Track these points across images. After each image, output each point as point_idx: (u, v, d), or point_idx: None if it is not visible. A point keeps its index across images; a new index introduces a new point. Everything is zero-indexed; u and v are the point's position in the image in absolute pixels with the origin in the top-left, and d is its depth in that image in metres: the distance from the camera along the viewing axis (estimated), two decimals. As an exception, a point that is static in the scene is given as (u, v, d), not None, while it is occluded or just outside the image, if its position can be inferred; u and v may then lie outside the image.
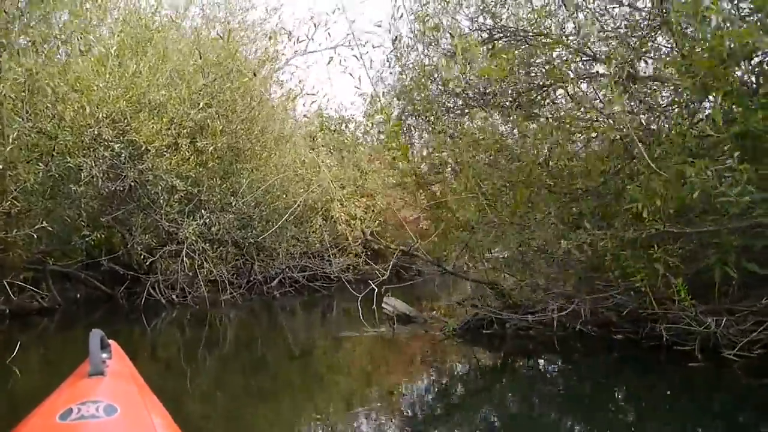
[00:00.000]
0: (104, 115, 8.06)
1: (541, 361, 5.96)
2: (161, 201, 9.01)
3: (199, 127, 9.42)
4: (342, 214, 14.27)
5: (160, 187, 8.85)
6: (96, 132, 8.08)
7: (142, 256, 10.03)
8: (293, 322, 10.06)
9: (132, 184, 8.70)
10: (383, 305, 8.35)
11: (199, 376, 5.79)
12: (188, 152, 8.95)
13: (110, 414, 1.39)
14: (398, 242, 16.13)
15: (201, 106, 9.14)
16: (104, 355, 1.78)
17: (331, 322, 9.98)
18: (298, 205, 11.03)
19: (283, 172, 11.17)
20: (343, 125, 17.80)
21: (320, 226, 12.35)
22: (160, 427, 1.52)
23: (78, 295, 10.86)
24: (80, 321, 9.24)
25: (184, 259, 9.59)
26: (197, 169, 9.26)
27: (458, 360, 6.12)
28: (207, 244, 9.69)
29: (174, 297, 10.28)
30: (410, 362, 6.27)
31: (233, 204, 9.92)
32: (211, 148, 9.25)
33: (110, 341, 1.96)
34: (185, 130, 9.06)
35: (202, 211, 9.35)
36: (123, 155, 8.50)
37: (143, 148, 8.52)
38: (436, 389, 5.10)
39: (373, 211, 15.92)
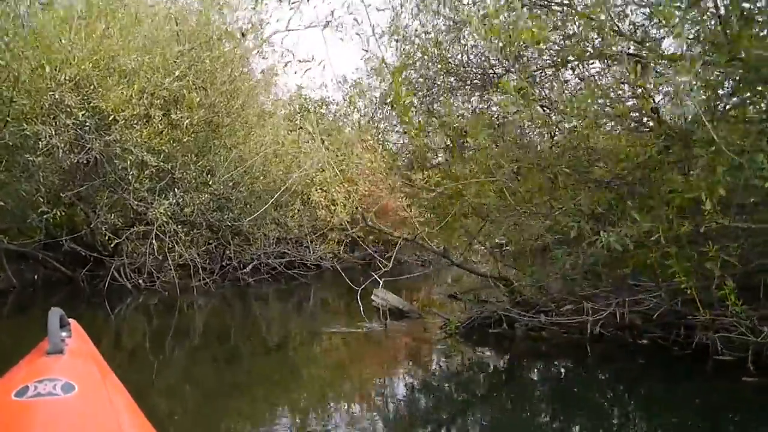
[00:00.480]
0: (67, 78, 7.16)
1: (560, 367, 5.31)
2: (130, 177, 8.12)
3: (173, 98, 8.54)
4: (322, 198, 13.57)
5: (128, 162, 7.97)
6: (57, 97, 7.18)
7: (107, 237, 9.11)
8: (269, 311, 9.29)
9: (97, 157, 7.82)
10: (373, 298, 7.65)
11: (166, 369, 5.25)
12: (161, 125, 8.07)
13: (68, 392, 1.34)
14: (391, 231, 15.59)
15: (176, 75, 8.27)
16: (64, 334, 1.71)
17: (309, 313, 9.23)
18: (285, 188, 10.26)
19: (264, 152, 10.36)
20: (324, 107, 16.90)
21: (299, 210, 11.60)
22: (119, 406, 1.48)
23: (35, 277, 9.95)
24: (36, 304, 8.42)
25: (153, 241, 8.73)
26: (170, 144, 8.39)
27: (462, 362, 5.43)
28: (179, 226, 8.86)
29: (141, 282, 9.44)
30: (408, 364, 5.58)
31: (209, 183, 9.08)
32: (187, 121, 8.38)
33: (70, 320, 1.90)
34: (158, 101, 8.18)
35: (175, 189, 8.49)
36: (88, 124, 7.62)
37: (111, 118, 7.64)
38: (437, 394, 4.44)
39: (355, 196, 15.27)
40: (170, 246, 9.20)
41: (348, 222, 15.14)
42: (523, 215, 5.34)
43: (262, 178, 10.28)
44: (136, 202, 8.46)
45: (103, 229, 8.61)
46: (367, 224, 7.87)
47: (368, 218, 7.52)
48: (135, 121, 7.86)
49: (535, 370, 5.25)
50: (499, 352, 5.72)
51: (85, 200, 8.94)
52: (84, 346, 1.80)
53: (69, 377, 1.40)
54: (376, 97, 19.29)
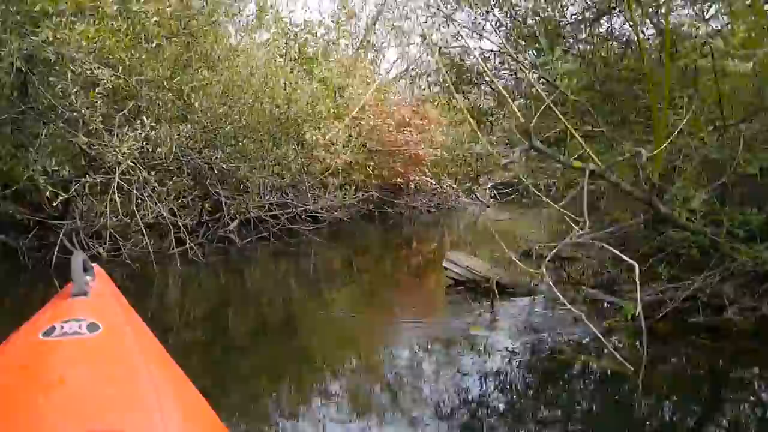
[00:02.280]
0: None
1: None
2: (75, 102, 5.38)
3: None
4: (320, 137, 10.94)
5: (69, 78, 5.23)
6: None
7: (50, 192, 6.40)
8: (283, 288, 6.79)
9: (19, 68, 5.03)
10: (446, 265, 5.23)
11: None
12: (116, 21, 5.31)
13: (93, 331, 1.34)
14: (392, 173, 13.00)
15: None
16: (87, 278, 1.70)
17: (362, 293, 6.69)
18: (281, 119, 7.64)
19: (252, 77, 7.67)
20: (309, 32, 13.92)
21: (296, 151, 9.01)
22: (143, 345, 1.45)
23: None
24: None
25: (115, 195, 6.06)
26: (133, 52, 5.67)
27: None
28: (150, 173, 6.20)
29: (100, 251, 6.76)
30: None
31: (191, 110, 6.39)
32: (154, 19, 5.63)
33: (94, 264, 1.86)
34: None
35: (143, 120, 5.77)
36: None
37: (38, 7, 4.88)
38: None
39: (358, 134, 12.63)
40: (138, 201, 6.59)
41: (352, 164, 12.63)
42: None
43: (250, 110, 7.61)
44: (86, 140, 5.74)
45: (41, 180, 5.85)
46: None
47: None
48: (77, 15, 5.09)
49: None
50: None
51: (12, 138, 6.14)
52: (107, 288, 1.76)
53: (94, 317, 1.38)
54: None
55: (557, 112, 2.79)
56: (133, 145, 5.63)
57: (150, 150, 6.16)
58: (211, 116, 6.69)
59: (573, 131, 2.92)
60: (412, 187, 13.06)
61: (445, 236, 11.65)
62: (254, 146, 7.50)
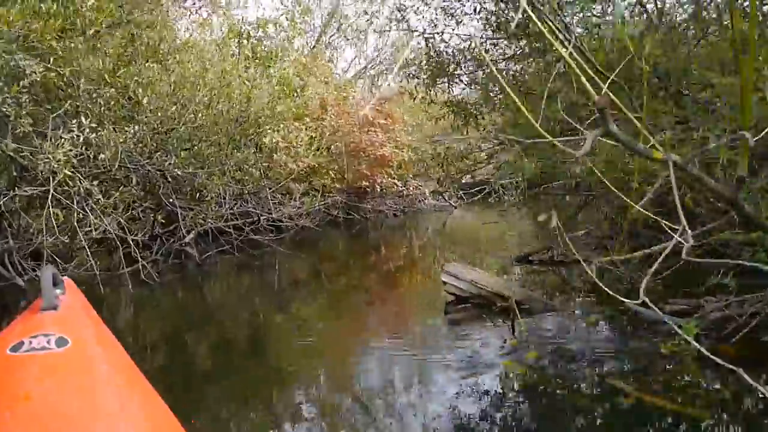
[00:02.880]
0: None
1: None
2: (-4, 101, 4.47)
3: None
4: (280, 139, 10.15)
5: (-12, 70, 4.33)
6: None
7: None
8: (246, 308, 5.98)
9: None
10: (444, 278, 4.53)
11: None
12: (47, 0, 4.43)
13: (61, 346, 1.33)
14: (357, 175, 12.22)
15: None
16: (57, 291, 1.64)
17: (348, 310, 5.94)
18: (241, 119, 6.83)
19: (205, 72, 6.82)
20: (261, 30, 13.08)
21: (255, 153, 8.22)
22: (111, 358, 1.44)
23: None
24: None
25: (51, 209, 5.17)
26: (66, 41, 4.79)
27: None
28: (93, 183, 5.31)
29: (39, 274, 5.87)
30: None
31: (138, 110, 5.53)
32: (91, 1, 4.76)
33: (64, 278, 1.77)
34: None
35: (82, 119, 4.89)
36: None
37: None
38: None
39: (321, 135, 11.84)
40: (80, 215, 5.69)
41: (315, 168, 11.84)
42: None
43: (206, 110, 6.76)
44: (13, 146, 4.82)
45: (-40, 194, 4.91)
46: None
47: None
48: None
49: None
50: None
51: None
52: (77, 302, 1.72)
53: (62, 332, 1.38)
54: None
55: (624, 87, 2.16)
56: (70, 150, 4.75)
57: (91, 156, 5.28)
58: (162, 116, 5.83)
59: (645, 112, 2.27)
60: (378, 190, 12.36)
61: (419, 240, 10.95)
62: (212, 150, 6.66)
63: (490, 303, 4.23)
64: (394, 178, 12.53)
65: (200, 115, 6.60)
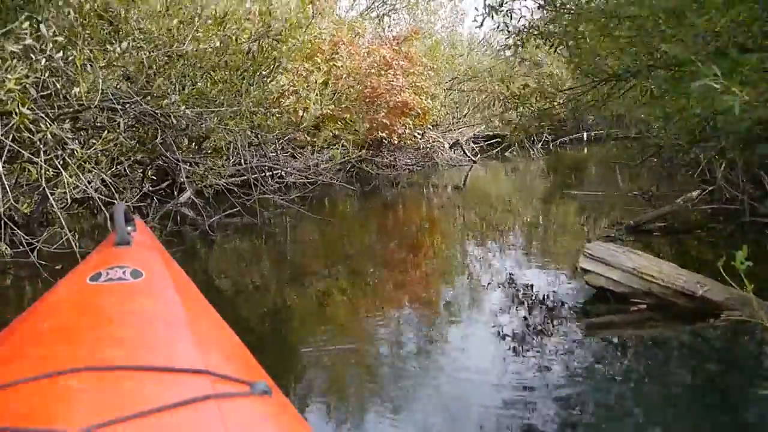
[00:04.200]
0: None
1: None
2: None
3: None
4: (287, 83, 8.55)
5: None
6: None
7: None
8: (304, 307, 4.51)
9: None
10: (583, 265, 3.10)
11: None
12: None
13: (136, 278, 1.38)
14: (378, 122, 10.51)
15: None
16: (129, 228, 1.69)
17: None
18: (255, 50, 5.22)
19: None
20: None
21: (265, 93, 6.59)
22: (184, 292, 1.45)
23: None
24: None
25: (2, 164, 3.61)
26: None
27: None
28: (67, 125, 3.75)
29: (4, 247, 4.35)
30: None
31: (124, 29, 3.91)
32: None
33: (134, 215, 1.84)
34: None
35: (43, 30, 3.29)
36: None
37: None
38: None
39: (336, 78, 10.17)
40: (50, 172, 4.14)
41: (327, 116, 10.22)
42: None
43: (216, 29, 5.08)
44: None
45: None
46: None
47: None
48: None
49: None
50: None
51: None
52: (148, 239, 1.76)
53: (136, 265, 1.41)
54: None
55: None
56: (27, 78, 3.18)
57: (60, 90, 3.71)
58: (157, 37, 4.23)
59: None
60: (396, 142, 10.79)
61: (459, 201, 9.29)
62: (222, 87, 5.07)
63: (664, 303, 2.82)
64: (413, 129, 10.95)
65: (204, 41, 4.97)
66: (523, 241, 5.55)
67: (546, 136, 14.39)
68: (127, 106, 4.35)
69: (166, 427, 0.88)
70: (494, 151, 14.86)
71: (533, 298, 3.45)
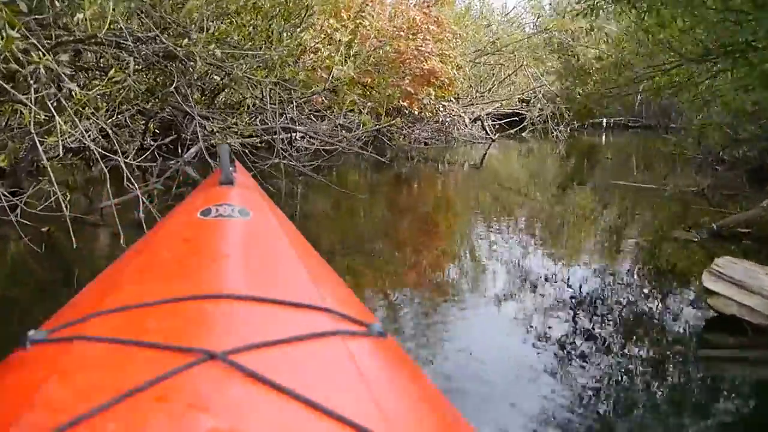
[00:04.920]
0: None
1: None
2: None
3: None
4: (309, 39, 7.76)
5: None
6: None
7: None
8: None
9: None
10: (708, 282, 2.43)
11: None
12: None
13: (244, 216, 1.37)
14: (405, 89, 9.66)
15: None
16: (231, 169, 1.64)
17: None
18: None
19: None
20: None
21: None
22: (289, 233, 1.43)
23: None
24: None
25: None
26: None
27: None
28: (65, 58, 3.01)
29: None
30: None
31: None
32: None
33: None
34: None
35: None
36: None
37: None
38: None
39: (362, 40, 9.33)
40: (45, 115, 3.40)
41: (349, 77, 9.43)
42: None
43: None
44: None
45: None
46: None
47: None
48: None
49: None
50: None
51: None
52: (248, 181, 1.78)
53: (242, 204, 1.42)
54: None
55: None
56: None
57: (53, 20, 2.96)
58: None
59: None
60: (417, 113, 10.02)
61: (494, 180, 8.52)
62: (250, 32, 4.29)
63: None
64: (436, 100, 10.17)
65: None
66: (593, 241, 4.80)
67: (567, 118, 13.63)
68: (139, 44, 3.58)
69: (300, 356, 0.84)
70: (513, 131, 14.12)
71: (650, 324, 2.73)
